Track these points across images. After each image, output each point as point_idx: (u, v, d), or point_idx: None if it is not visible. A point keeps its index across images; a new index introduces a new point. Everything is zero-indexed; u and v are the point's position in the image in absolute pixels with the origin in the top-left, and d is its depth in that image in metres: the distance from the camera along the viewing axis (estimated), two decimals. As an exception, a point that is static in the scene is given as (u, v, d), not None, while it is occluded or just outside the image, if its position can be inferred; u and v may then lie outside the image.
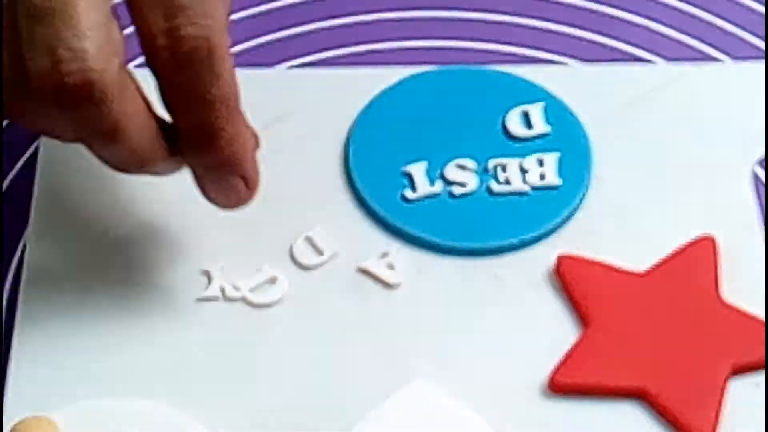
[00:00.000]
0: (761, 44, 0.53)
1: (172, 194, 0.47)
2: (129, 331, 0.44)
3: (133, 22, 0.39)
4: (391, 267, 0.45)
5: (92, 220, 0.47)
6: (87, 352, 0.43)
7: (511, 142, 0.49)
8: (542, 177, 0.47)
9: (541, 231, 0.46)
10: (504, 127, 0.49)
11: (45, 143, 0.49)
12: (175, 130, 0.40)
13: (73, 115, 0.37)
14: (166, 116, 0.41)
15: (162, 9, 0.38)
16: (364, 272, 0.45)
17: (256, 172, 0.42)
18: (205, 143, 0.40)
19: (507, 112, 0.50)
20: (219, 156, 0.40)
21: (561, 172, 0.48)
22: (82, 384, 0.42)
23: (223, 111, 0.39)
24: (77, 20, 0.37)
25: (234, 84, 0.40)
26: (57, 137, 0.41)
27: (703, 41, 0.54)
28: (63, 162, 0.48)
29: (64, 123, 0.38)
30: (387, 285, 0.45)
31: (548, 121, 0.49)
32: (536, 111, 0.49)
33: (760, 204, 0.48)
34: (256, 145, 0.43)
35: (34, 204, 0.47)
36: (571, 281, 0.45)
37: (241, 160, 0.41)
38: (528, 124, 0.49)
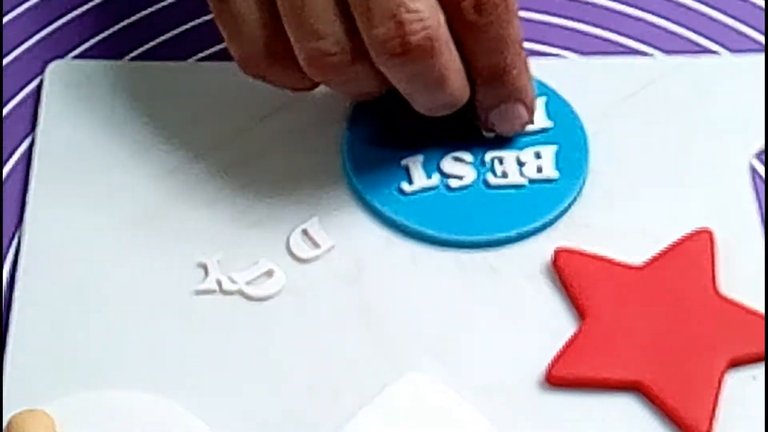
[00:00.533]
0: (760, 37, 0.53)
1: (168, 187, 0.48)
2: (125, 324, 0.44)
3: None
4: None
5: (88, 213, 0.47)
6: (83, 344, 0.43)
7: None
8: (539, 170, 0.47)
9: (538, 224, 0.46)
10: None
11: (42, 133, 0.49)
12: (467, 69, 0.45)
13: (413, 69, 0.42)
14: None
15: None
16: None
17: (535, 99, 0.47)
18: (502, 77, 0.45)
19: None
20: (510, 89, 0.46)
21: (558, 165, 0.48)
22: (77, 376, 0.42)
23: (517, 47, 0.45)
24: None
25: (520, 26, 0.45)
26: (361, 96, 0.47)
27: (701, 34, 0.53)
28: (59, 155, 0.49)
29: (400, 78, 0.43)
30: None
31: (549, 117, 0.49)
32: (538, 105, 0.49)
33: (759, 197, 0.48)
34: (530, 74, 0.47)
35: (30, 196, 0.47)
36: (568, 274, 0.45)
37: (526, 90, 0.46)
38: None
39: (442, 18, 0.42)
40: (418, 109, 0.46)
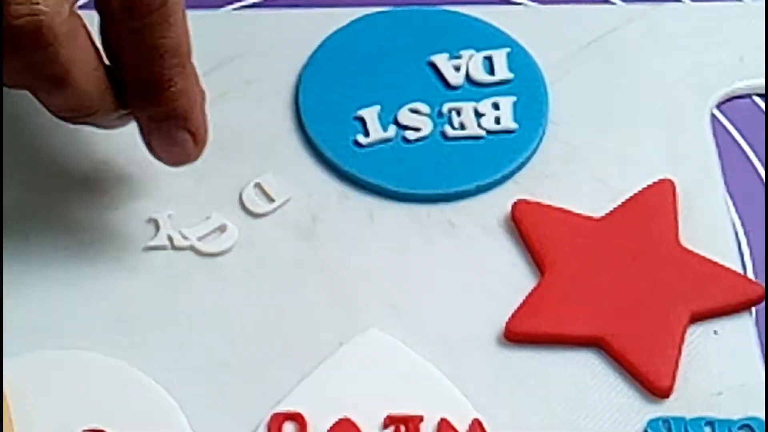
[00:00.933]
0: (721, -16, 0.53)
1: (117, 142, 0.46)
2: (75, 282, 0.43)
3: None
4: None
5: (35, 169, 0.46)
6: (32, 303, 0.43)
7: (466, 86, 0.48)
8: (497, 121, 0.47)
9: (497, 176, 0.46)
10: (459, 70, 0.48)
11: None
12: (122, 82, 0.40)
13: (21, 58, 0.37)
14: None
15: None
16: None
17: (205, 128, 0.42)
18: (154, 94, 0.40)
19: (462, 54, 0.49)
20: (167, 108, 0.40)
21: (517, 116, 0.47)
22: (26, 336, 0.41)
23: (174, 62, 0.40)
24: None
25: (186, 35, 0.40)
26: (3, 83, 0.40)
27: (661, -19, 0.53)
28: (7, 110, 0.47)
29: (11, 67, 0.38)
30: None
31: (510, 69, 0.48)
32: (500, 57, 0.49)
33: (719, 146, 0.47)
34: (203, 99, 0.42)
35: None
36: (528, 227, 0.44)
37: (189, 113, 0.41)
38: (490, 69, 0.49)
39: (66, 8, 0.38)
40: (49, 111, 0.41)
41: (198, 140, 0.42)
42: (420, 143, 0.46)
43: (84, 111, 0.40)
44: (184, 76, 0.40)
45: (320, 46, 0.49)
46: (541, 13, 0.52)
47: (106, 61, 0.41)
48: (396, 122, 0.47)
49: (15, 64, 0.38)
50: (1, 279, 0.43)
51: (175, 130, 0.41)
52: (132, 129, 0.46)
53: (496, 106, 0.47)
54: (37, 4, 0.36)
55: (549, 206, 0.45)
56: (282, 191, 0.45)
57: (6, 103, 0.48)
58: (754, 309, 0.43)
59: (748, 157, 0.47)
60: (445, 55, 0.49)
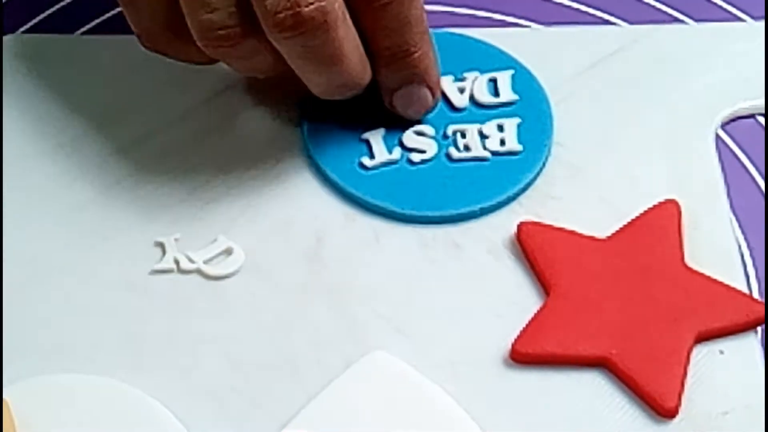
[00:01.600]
0: (724, 5, 0.53)
1: (124, 164, 0.47)
2: (81, 305, 0.43)
3: None
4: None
5: (41, 192, 0.46)
6: (38, 327, 0.43)
7: (471, 108, 0.48)
8: (502, 143, 0.47)
9: (502, 198, 0.46)
10: (463, 92, 0.48)
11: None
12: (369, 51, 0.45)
13: (306, 43, 0.41)
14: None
15: None
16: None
17: (440, 83, 0.47)
18: (404, 59, 0.45)
19: (466, 76, 0.49)
20: (413, 70, 0.45)
21: (521, 138, 0.47)
22: (33, 360, 0.41)
23: (420, 28, 0.44)
24: None
25: (423, 7, 0.44)
26: (261, 73, 0.45)
27: (665, 2, 0.53)
28: (12, 133, 0.48)
29: (294, 52, 0.42)
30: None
31: (514, 90, 0.49)
32: (504, 79, 0.49)
33: (724, 167, 0.47)
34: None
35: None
36: (533, 248, 0.44)
37: (429, 72, 0.46)
38: (495, 91, 0.49)
39: None
40: (314, 91, 0.45)
41: (435, 93, 0.47)
42: (425, 165, 0.46)
43: (350, 86, 0.45)
44: (426, 39, 0.45)
45: (326, 70, 0.49)
46: (544, 34, 0.52)
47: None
48: (401, 144, 0.47)
49: (296, 50, 0.42)
50: (0, 287, 0.43)
51: (418, 88, 0.46)
52: (138, 153, 0.47)
53: (500, 128, 0.47)
54: None
55: (554, 227, 0.45)
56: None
57: (19, 122, 0.48)
58: (759, 329, 0.42)
59: (752, 177, 0.47)
60: (450, 78, 0.49)
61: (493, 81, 0.49)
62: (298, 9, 0.40)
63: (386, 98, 0.46)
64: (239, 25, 0.41)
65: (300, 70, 0.44)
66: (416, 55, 0.45)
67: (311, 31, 0.41)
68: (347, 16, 0.42)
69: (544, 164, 0.47)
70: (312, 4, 0.40)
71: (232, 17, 0.41)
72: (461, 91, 0.48)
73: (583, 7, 0.53)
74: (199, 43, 0.42)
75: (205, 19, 0.41)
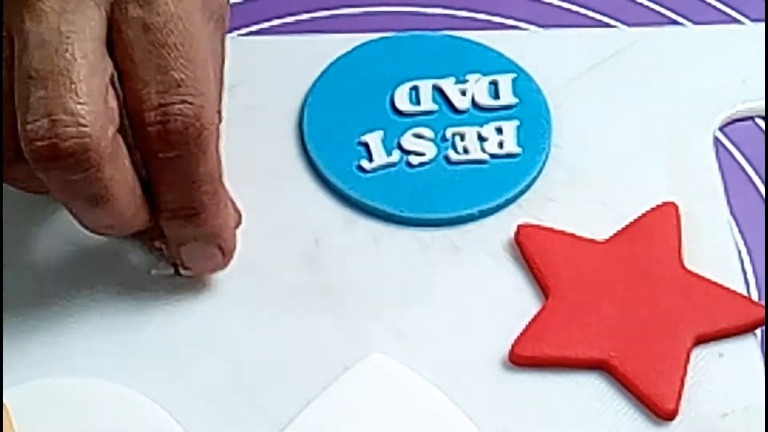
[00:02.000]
0: (722, 7, 0.53)
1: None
2: (80, 308, 0.43)
3: (124, 94, 0.39)
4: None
5: (41, 197, 0.46)
6: (37, 330, 0.43)
7: (470, 110, 0.48)
8: (501, 145, 0.47)
9: (501, 200, 0.46)
10: (465, 94, 0.48)
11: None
12: (152, 193, 0.41)
13: (64, 177, 0.38)
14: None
15: (155, 84, 0.38)
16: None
17: (234, 243, 0.43)
18: (189, 217, 0.41)
19: (468, 78, 0.49)
20: (200, 230, 0.41)
21: (520, 141, 0.47)
22: (32, 363, 0.41)
23: (208, 188, 0.40)
24: (77, 85, 0.37)
25: (219, 162, 0.41)
26: (42, 193, 0.42)
27: (663, 5, 0.53)
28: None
29: (53, 185, 0.38)
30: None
31: (514, 93, 0.49)
32: (505, 82, 0.49)
33: (722, 169, 0.47)
34: (239, 221, 0.44)
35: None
36: (532, 251, 0.44)
37: (218, 233, 0.42)
38: (495, 94, 0.49)
39: (111, 130, 0.38)
40: (82, 226, 0.41)
41: (226, 253, 0.43)
42: (424, 168, 0.47)
43: (120, 228, 0.41)
44: (216, 201, 0.41)
45: (324, 72, 0.49)
46: (543, 37, 0.52)
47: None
48: (400, 147, 0.47)
49: (55, 183, 0.38)
50: (0, 290, 0.43)
51: (205, 247, 0.42)
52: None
53: (499, 131, 0.47)
54: (85, 126, 0.37)
55: (553, 230, 0.45)
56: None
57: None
58: (759, 331, 0.42)
59: (750, 179, 0.47)
60: (452, 79, 0.49)
61: (494, 83, 0.49)
62: (56, 140, 0.37)
63: (172, 249, 0.43)
64: (10, 149, 0.39)
65: (64, 204, 0.40)
66: (202, 216, 0.41)
67: (70, 166, 0.37)
68: (120, 155, 0.39)
69: (542, 167, 0.47)
70: (73, 138, 0.37)
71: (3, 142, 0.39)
72: (463, 93, 0.48)
73: (582, 10, 0.53)
74: None
75: None
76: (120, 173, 0.39)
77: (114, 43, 0.39)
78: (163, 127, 0.38)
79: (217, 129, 0.40)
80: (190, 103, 0.38)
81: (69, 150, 0.37)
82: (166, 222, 0.41)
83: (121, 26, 0.39)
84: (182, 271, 0.43)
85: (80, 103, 0.37)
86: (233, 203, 0.44)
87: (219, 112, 0.41)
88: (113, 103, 0.39)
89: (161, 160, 0.39)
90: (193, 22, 0.39)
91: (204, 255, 0.42)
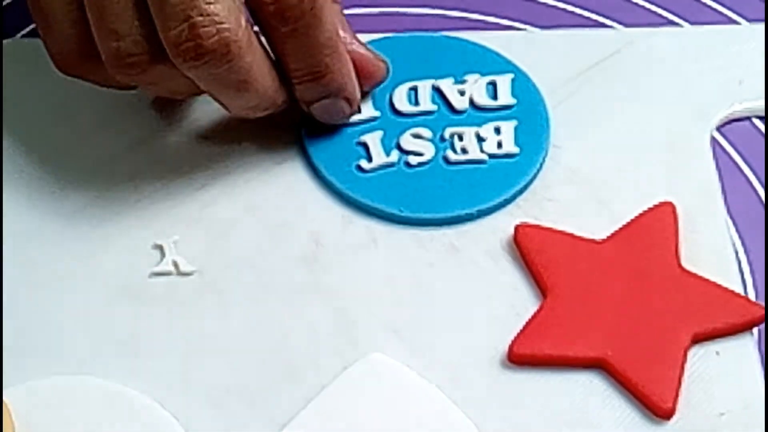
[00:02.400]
0: (719, 7, 0.53)
1: (122, 168, 0.47)
2: (81, 308, 0.43)
3: None
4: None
5: (41, 196, 0.46)
6: (38, 329, 0.43)
7: (469, 111, 0.48)
8: (499, 145, 0.47)
9: (499, 200, 0.46)
10: (463, 95, 0.49)
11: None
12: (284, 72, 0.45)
13: (211, 71, 0.41)
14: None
15: None
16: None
17: (358, 93, 0.47)
18: (317, 79, 0.45)
19: (467, 79, 0.49)
20: (326, 88, 0.45)
21: (518, 141, 0.47)
22: (33, 363, 0.42)
23: (329, 50, 0.44)
24: None
25: (334, 24, 0.45)
26: (178, 95, 0.46)
27: (660, 5, 0.53)
28: (9, 138, 0.48)
29: (202, 80, 0.42)
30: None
31: (513, 94, 0.49)
32: (504, 82, 0.49)
33: (720, 169, 0.47)
34: (386, 69, 0.49)
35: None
36: (530, 250, 0.44)
37: (344, 86, 0.46)
38: (494, 94, 0.49)
39: (243, 20, 0.42)
40: (230, 112, 0.46)
41: (353, 103, 0.47)
42: (422, 168, 0.47)
43: (262, 107, 0.45)
44: (338, 59, 0.45)
45: (323, 72, 0.49)
46: (541, 37, 0.52)
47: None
48: (399, 147, 0.47)
49: (204, 77, 0.42)
50: (0, 290, 0.43)
51: (335, 101, 0.46)
52: (136, 157, 0.47)
53: (497, 131, 0.47)
54: (222, 23, 0.41)
55: (551, 229, 0.45)
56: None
57: (9, 124, 0.48)
58: (756, 330, 0.43)
59: (748, 179, 0.47)
60: (450, 80, 0.49)
61: (493, 84, 0.49)
62: (200, 41, 0.40)
63: (304, 107, 0.47)
64: (146, 53, 0.42)
65: (212, 94, 0.44)
66: (327, 77, 0.45)
67: (215, 60, 0.41)
68: (254, 41, 0.43)
69: (541, 167, 0.47)
70: (214, 36, 0.41)
71: (138, 45, 0.42)
72: (461, 93, 0.49)
73: (579, 10, 0.53)
74: (109, 70, 0.42)
75: (113, 47, 0.42)
76: (257, 57, 0.43)
77: None
78: (279, 5, 0.42)
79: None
80: None
81: (212, 47, 0.41)
82: (297, 87, 0.45)
83: None
84: None
85: (211, 3, 0.40)
86: (377, 55, 0.48)
87: None
88: None
89: (283, 33, 0.43)
90: None
91: (334, 107, 0.46)
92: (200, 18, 0.40)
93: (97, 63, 0.43)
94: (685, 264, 0.44)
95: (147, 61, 0.42)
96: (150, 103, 0.49)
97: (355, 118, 0.48)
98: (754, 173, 0.48)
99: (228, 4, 0.41)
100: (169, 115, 0.49)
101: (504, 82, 0.49)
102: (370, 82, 0.48)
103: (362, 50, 0.47)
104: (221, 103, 0.45)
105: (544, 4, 0.53)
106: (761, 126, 0.49)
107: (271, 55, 0.44)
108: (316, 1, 0.43)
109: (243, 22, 0.42)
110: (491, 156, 0.47)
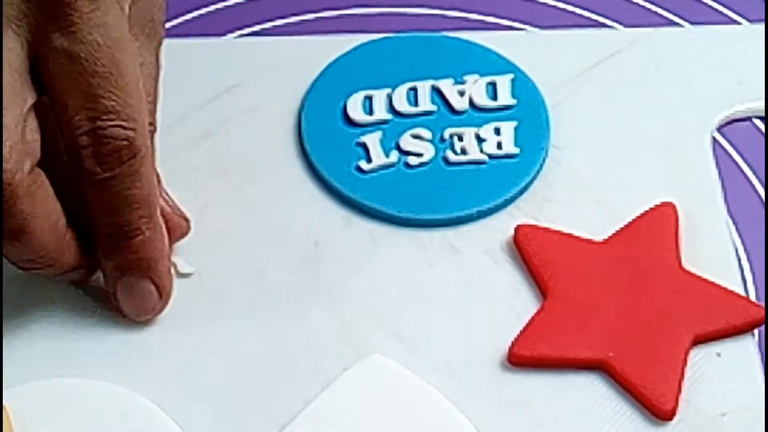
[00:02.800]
0: (719, 7, 0.53)
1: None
2: (79, 309, 0.43)
3: (57, 118, 0.39)
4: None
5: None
6: (36, 331, 0.43)
7: (468, 111, 0.48)
8: (499, 146, 0.47)
9: (499, 201, 0.46)
10: (463, 95, 0.48)
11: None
12: (86, 233, 0.41)
13: None
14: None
15: (87, 110, 0.38)
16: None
17: (170, 281, 0.43)
18: (121, 242, 0.41)
19: (466, 79, 0.49)
20: (133, 257, 0.41)
21: (518, 141, 0.47)
22: (31, 364, 0.41)
23: (142, 212, 0.40)
24: None
25: (154, 185, 0.41)
26: None
27: (660, 5, 0.53)
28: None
29: None
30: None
31: (513, 95, 0.49)
32: (504, 82, 0.49)
33: (720, 170, 0.47)
34: (187, 228, 0.44)
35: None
36: (530, 251, 0.44)
37: (154, 263, 0.42)
38: (493, 95, 0.49)
39: (28, 164, 0.38)
40: (9, 262, 0.41)
41: (163, 293, 0.42)
42: (422, 168, 0.47)
43: (40, 263, 0.40)
44: (151, 226, 0.41)
45: (323, 73, 0.49)
46: (541, 38, 0.52)
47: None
48: (398, 148, 0.47)
49: None
50: (0, 290, 0.43)
51: (140, 280, 0.42)
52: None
53: (497, 131, 0.47)
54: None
55: (551, 230, 0.45)
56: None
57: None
58: (756, 331, 0.43)
59: (748, 180, 0.47)
60: (450, 80, 0.49)
61: (493, 84, 0.49)
62: None
63: (110, 290, 0.42)
64: None
65: None
66: (136, 239, 0.41)
67: None
68: (38, 190, 0.39)
69: (541, 167, 0.47)
70: None
71: None
72: (461, 93, 0.49)
73: (580, 11, 0.53)
74: None
75: None
76: (39, 207, 0.39)
77: (41, 71, 0.38)
78: (97, 149, 0.39)
79: (152, 155, 0.41)
80: (123, 128, 0.39)
81: None
82: (102, 249, 0.41)
83: (46, 55, 0.38)
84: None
85: None
86: (181, 212, 0.44)
87: (152, 124, 0.41)
88: (33, 135, 0.39)
89: (96, 182, 0.39)
90: (120, 48, 0.39)
91: (138, 290, 0.42)
92: None
93: None
94: (686, 264, 0.44)
95: None
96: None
97: (362, 120, 0.47)
98: (755, 173, 0.48)
99: (12, 144, 0.37)
100: (168, 117, 0.48)
101: (504, 82, 0.49)
102: (171, 238, 0.43)
103: (167, 206, 0.43)
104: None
105: (544, 4, 0.53)
106: (762, 126, 0.49)
107: (61, 215, 0.40)
108: (137, 154, 0.39)
109: (27, 167, 0.38)
110: (491, 157, 0.47)
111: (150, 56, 0.42)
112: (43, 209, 0.39)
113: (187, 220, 0.44)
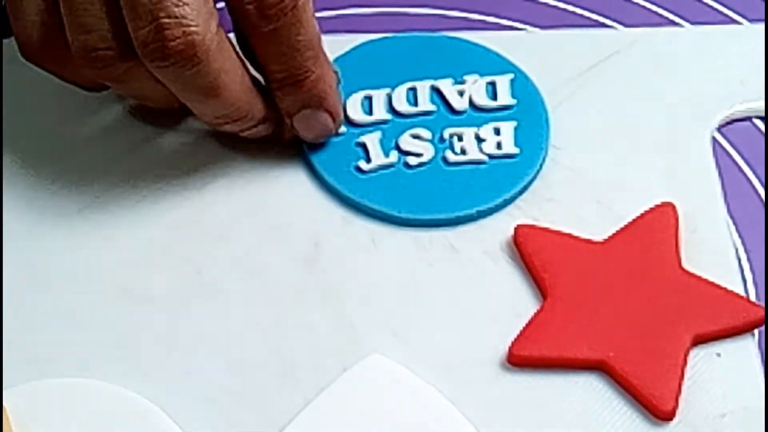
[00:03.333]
0: (719, 7, 0.53)
1: (123, 169, 0.47)
2: (79, 309, 0.43)
3: None
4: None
5: (37, 198, 0.46)
6: (36, 331, 0.42)
7: (468, 111, 0.48)
8: (499, 146, 0.47)
9: (499, 201, 0.46)
10: (463, 95, 0.48)
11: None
12: (264, 81, 0.45)
13: (178, 74, 0.41)
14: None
15: None
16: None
17: (340, 106, 0.47)
18: (296, 84, 0.44)
19: (466, 79, 0.49)
20: (307, 95, 0.45)
21: (518, 141, 0.47)
22: (29, 365, 0.41)
23: (309, 54, 0.44)
24: None
25: (316, 28, 0.44)
26: (148, 101, 0.46)
27: (661, 5, 0.53)
28: (11, 138, 0.48)
29: (169, 81, 0.42)
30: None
31: (512, 94, 0.49)
32: (503, 82, 0.49)
33: (720, 170, 0.47)
34: (338, 80, 0.47)
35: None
36: (530, 251, 0.44)
37: (326, 96, 0.45)
38: (493, 95, 0.49)
39: (213, 24, 0.41)
40: (203, 120, 0.45)
41: (335, 117, 0.46)
42: (422, 168, 0.47)
43: (234, 116, 0.44)
44: (319, 64, 0.44)
45: (322, 73, 0.49)
46: (541, 38, 0.52)
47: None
48: (398, 148, 0.47)
49: (170, 79, 0.42)
50: (0, 290, 0.43)
51: (316, 112, 0.45)
52: (133, 158, 0.47)
53: (497, 131, 0.47)
54: (189, 25, 0.40)
55: (551, 230, 0.45)
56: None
57: (8, 125, 0.48)
58: (757, 331, 0.42)
59: (748, 180, 0.47)
60: (450, 80, 0.49)
61: (492, 84, 0.49)
62: (165, 42, 0.40)
63: (287, 121, 0.46)
64: (113, 49, 0.42)
65: (182, 99, 0.44)
66: (309, 79, 0.44)
67: (181, 63, 0.41)
68: (225, 47, 0.42)
69: (540, 167, 0.47)
70: (178, 38, 0.40)
71: (105, 40, 0.41)
72: (461, 93, 0.48)
73: (578, 10, 0.53)
74: (76, 62, 0.42)
75: (81, 39, 0.42)
76: (228, 63, 0.42)
77: None
78: (260, 3, 0.42)
79: (309, 1, 0.43)
80: None
81: (177, 49, 0.40)
82: (277, 93, 0.45)
83: None
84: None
85: (180, 5, 0.40)
86: (333, 67, 0.47)
87: None
88: (211, 1, 0.42)
89: (263, 34, 0.43)
90: None
91: (316, 120, 0.46)
92: (167, 20, 0.40)
93: (65, 55, 0.43)
94: (686, 265, 0.44)
95: (113, 57, 0.42)
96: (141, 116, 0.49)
97: (362, 119, 0.48)
98: (755, 173, 0.47)
99: (198, 6, 0.41)
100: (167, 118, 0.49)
101: (503, 82, 0.49)
102: None
103: None
104: (192, 109, 0.44)
105: (544, 4, 0.53)
106: (762, 126, 0.49)
107: (249, 66, 0.44)
108: (297, 3, 0.42)
109: (213, 27, 0.41)
110: (491, 156, 0.47)
111: None
112: (232, 64, 0.43)
113: (337, 74, 0.47)
